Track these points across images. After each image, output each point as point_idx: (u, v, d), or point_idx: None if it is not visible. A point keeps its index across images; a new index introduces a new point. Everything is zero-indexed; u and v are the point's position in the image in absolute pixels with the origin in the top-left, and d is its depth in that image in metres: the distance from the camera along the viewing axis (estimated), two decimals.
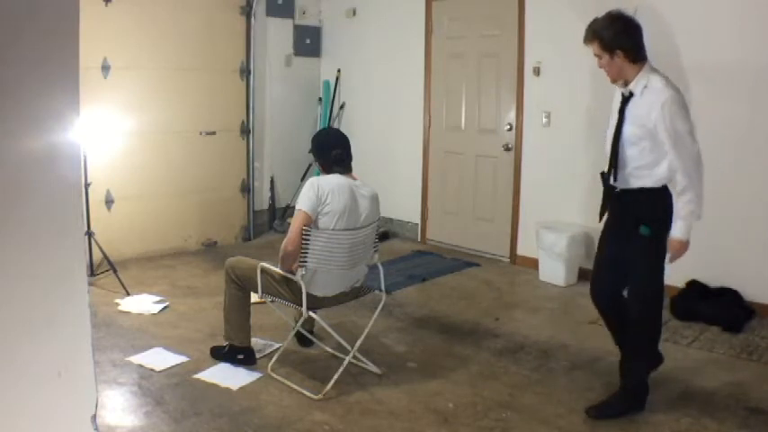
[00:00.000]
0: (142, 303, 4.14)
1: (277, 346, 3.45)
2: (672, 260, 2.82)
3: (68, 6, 1.22)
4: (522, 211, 5.22)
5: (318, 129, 6.17)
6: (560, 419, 2.80)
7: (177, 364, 3.27)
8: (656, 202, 2.84)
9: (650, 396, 2.98)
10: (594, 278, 3.05)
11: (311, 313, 3.07)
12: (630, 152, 2.79)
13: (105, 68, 4.91)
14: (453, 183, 5.72)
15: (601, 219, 3.08)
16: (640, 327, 2.88)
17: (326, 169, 3.13)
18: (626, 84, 2.78)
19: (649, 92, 2.70)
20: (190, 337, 3.63)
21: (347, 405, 2.90)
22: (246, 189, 5.93)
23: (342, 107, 6.49)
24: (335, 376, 3.02)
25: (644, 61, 2.74)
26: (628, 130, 2.77)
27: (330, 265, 2.99)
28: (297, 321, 3.35)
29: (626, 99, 2.79)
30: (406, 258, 5.43)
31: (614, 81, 2.83)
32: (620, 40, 2.69)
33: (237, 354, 3.26)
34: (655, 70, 2.75)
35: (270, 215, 6.36)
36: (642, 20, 2.83)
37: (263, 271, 3.09)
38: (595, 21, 2.76)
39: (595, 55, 2.80)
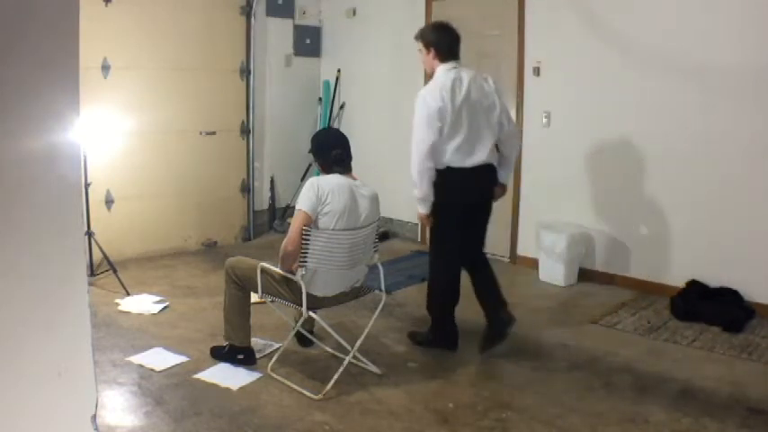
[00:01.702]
0: (142, 303, 4.14)
1: (277, 346, 3.45)
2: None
3: (68, 6, 1.23)
4: (522, 211, 5.22)
5: (318, 129, 6.17)
6: (560, 419, 2.80)
7: (177, 364, 3.27)
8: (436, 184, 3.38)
9: (650, 396, 2.99)
10: None
11: (311, 313, 3.07)
12: None
13: (105, 68, 4.91)
14: None
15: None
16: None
17: (326, 169, 3.13)
18: (430, 77, 3.42)
19: None
20: (190, 337, 3.63)
21: (347, 405, 2.90)
22: (246, 189, 5.93)
23: (342, 107, 6.49)
24: (335, 376, 3.02)
25: (449, 61, 3.33)
26: None
27: (330, 265, 2.99)
28: (297, 321, 3.35)
29: None
30: (406, 258, 5.43)
31: (430, 76, 3.42)
32: (434, 38, 3.34)
33: (237, 354, 3.26)
34: (452, 70, 3.31)
35: (270, 215, 6.36)
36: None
37: (263, 271, 3.09)
38: (425, 26, 3.46)
39: (419, 50, 3.42)
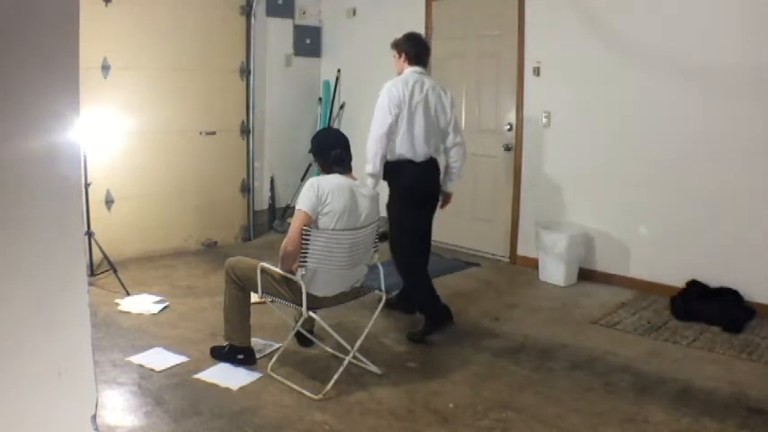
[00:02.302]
0: (142, 303, 4.14)
1: (277, 346, 3.45)
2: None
3: (68, 6, 1.23)
4: (522, 211, 5.22)
5: (318, 129, 6.17)
6: (560, 419, 2.80)
7: (177, 364, 3.27)
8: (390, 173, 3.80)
9: (650, 396, 2.99)
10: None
11: (311, 313, 3.07)
12: None
13: (105, 68, 4.90)
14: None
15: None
16: None
17: (326, 169, 3.13)
18: None
19: None
20: (190, 337, 3.63)
21: (347, 405, 2.90)
22: (246, 189, 5.93)
23: (342, 107, 6.49)
24: (335, 376, 3.02)
25: (416, 66, 3.79)
26: None
27: (330, 265, 2.99)
28: (297, 321, 3.35)
29: None
30: None
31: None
32: (405, 47, 3.82)
33: (237, 354, 3.26)
34: (416, 73, 3.75)
35: (270, 215, 6.36)
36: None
37: (263, 271, 3.09)
38: (400, 36, 3.89)
39: (393, 56, 3.89)
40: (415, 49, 3.82)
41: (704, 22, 4.12)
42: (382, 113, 3.68)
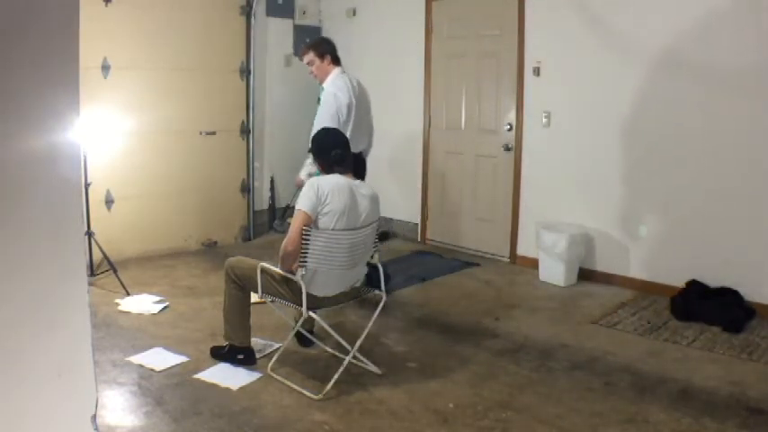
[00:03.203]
0: (142, 303, 4.14)
1: (277, 346, 3.45)
2: None
3: (68, 6, 1.23)
4: (522, 211, 5.22)
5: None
6: (560, 419, 2.80)
7: (177, 364, 3.27)
8: None
9: (650, 396, 3.00)
10: None
11: (311, 313, 3.07)
12: None
13: (105, 68, 4.90)
14: (453, 183, 5.72)
15: None
16: None
17: (326, 169, 3.13)
18: (322, 82, 4.08)
19: (326, 83, 4.03)
20: (190, 337, 3.63)
21: (347, 405, 2.90)
22: (246, 189, 5.93)
23: None
24: (335, 376, 3.02)
25: (339, 66, 4.04)
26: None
27: (330, 265, 2.99)
28: (297, 321, 3.35)
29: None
30: (406, 258, 5.43)
31: (321, 81, 4.05)
32: (327, 48, 4.03)
33: (237, 354, 3.26)
34: (345, 74, 4.03)
35: (270, 215, 6.35)
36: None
37: (263, 271, 3.09)
38: (309, 43, 4.13)
39: (308, 63, 4.06)
40: (333, 50, 4.02)
41: (704, 22, 4.11)
42: (327, 120, 3.81)
